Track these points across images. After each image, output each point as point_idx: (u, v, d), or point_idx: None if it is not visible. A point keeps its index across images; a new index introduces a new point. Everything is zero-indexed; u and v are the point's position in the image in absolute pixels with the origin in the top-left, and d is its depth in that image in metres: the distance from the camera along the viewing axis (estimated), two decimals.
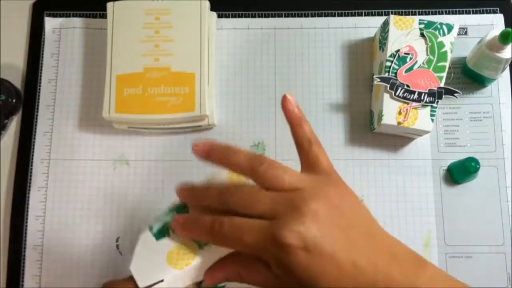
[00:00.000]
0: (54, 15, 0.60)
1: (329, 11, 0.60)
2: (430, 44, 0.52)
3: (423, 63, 0.52)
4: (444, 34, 0.52)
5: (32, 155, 0.56)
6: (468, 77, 0.57)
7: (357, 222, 0.32)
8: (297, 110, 0.36)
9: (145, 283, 0.33)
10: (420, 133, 0.53)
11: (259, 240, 0.30)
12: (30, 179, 0.56)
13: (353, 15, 0.60)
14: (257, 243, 0.30)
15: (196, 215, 0.34)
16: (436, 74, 0.52)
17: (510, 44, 0.51)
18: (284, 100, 0.36)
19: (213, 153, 0.35)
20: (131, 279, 0.34)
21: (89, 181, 0.56)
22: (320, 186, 0.32)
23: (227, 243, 0.32)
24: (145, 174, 0.56)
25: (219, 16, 0.60)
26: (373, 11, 0.60)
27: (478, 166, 0.52)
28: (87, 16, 0.60)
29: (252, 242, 0.31)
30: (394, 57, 0.52)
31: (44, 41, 0.59)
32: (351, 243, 0.30)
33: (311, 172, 0.34)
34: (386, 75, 0.52)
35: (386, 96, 0.52)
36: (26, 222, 0.54)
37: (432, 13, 0.60)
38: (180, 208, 0.37)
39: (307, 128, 0.36)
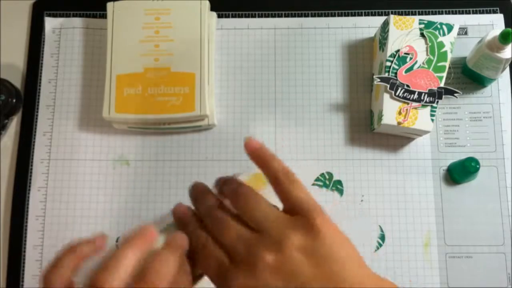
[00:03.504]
0: (54, 15, 0.60)
1: (329, 11, 0.60)
2: (430, 44, 0.52)
3: (423, 63, 0.52)
4: (444, 34, 0.52)
5: (32, 155, 0.56)
6: (468, 77, 0.57)
7: (318, 281, 0.29)
8: (263, 148, 0.34)
9: None
10: (420, 133, 0.53)
11: (212, 273, 0.32)
12: (30, 179, 0.56)
13: (353, 15, 0.60)
14: (211, 275, 0.32)
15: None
16: (436, 74, 0.52)
17: (510, 44, 0.51)
18: (246, 144, 0.34)
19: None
20: None
21: (89, 181, 0.56)
22: (289, 232, 0.30)
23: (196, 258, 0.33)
24: (145, 174, 0.56)
25: (219, 16, 0.60)
26: (373, 11, 0.60)
27: (478, 166, 0.52)
28: (87, 16, 0.60)
29: (208, 269, 0.32)
30: (394, 57, 0.52)
31: (44, 41, 0.59)
32: None
33: (288, 212, 0.32)
34: (386, 75, 0.52)
35: (386, 96, 0.52)
36: (26, 222, 0.54)
37: (432, 13, 0.60)
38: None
39: (277, 164, 0.33)
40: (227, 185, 0.34)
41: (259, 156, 0.34)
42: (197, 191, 0.35)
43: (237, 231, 0.31)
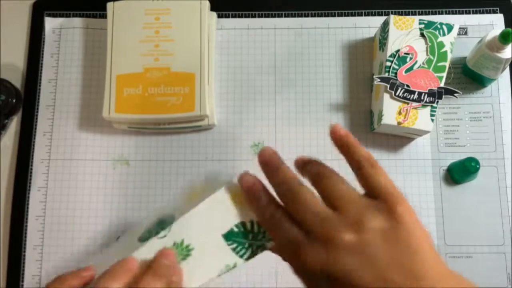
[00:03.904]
0: (54, 15, 0.60)
1: (329, 11, 0.60)
2: (430, 44, 0.52)
3: (423, 63, 0.52)
4: (444, 34, 0.52)
5: (32, 155, 0.56)
6: (468, 77, 0.57)
7: (395, 269, 0.28)
8: (348, 136, 0.34)
9: None
10: (420, 133, 0.53)
11: (285, 247, 0.32)
12: (30, 179, 0.56)
13: (353, 15, 0.60)
14: (282, 249, 0.32)
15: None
16: (436, 74, 0.52)
17: (510, 44, 0.51)
18: (332, 131, 0.34)
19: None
20: None
21: (89, 181, 0.56)
22: (369, 214, 0.30)
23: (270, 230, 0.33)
24: (145, 174, 0.56)
25: (219, 16, 0.60)
26: (373, 11, 0.60)
27: (478, 166, 0.52)
28: (87, 16, 0.60)
29: (281, 243, 0.32)
30: (394, 57, 0.52)
31: (44, 41, 0.59)
32: None
33: (369, 196, 0.31)
34: (386, 75, 0.52)
35: (386, 96, 0.52)
36: (26, 222, 0.54)
37: (432, 13, 0.60)
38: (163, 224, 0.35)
39: (362, 151, 0.33)
40: (311, 165, 0.34)
41: (345, 144, 0.33)
42: (272, 161, 0.34)
43: (316, 207, 0.31)
